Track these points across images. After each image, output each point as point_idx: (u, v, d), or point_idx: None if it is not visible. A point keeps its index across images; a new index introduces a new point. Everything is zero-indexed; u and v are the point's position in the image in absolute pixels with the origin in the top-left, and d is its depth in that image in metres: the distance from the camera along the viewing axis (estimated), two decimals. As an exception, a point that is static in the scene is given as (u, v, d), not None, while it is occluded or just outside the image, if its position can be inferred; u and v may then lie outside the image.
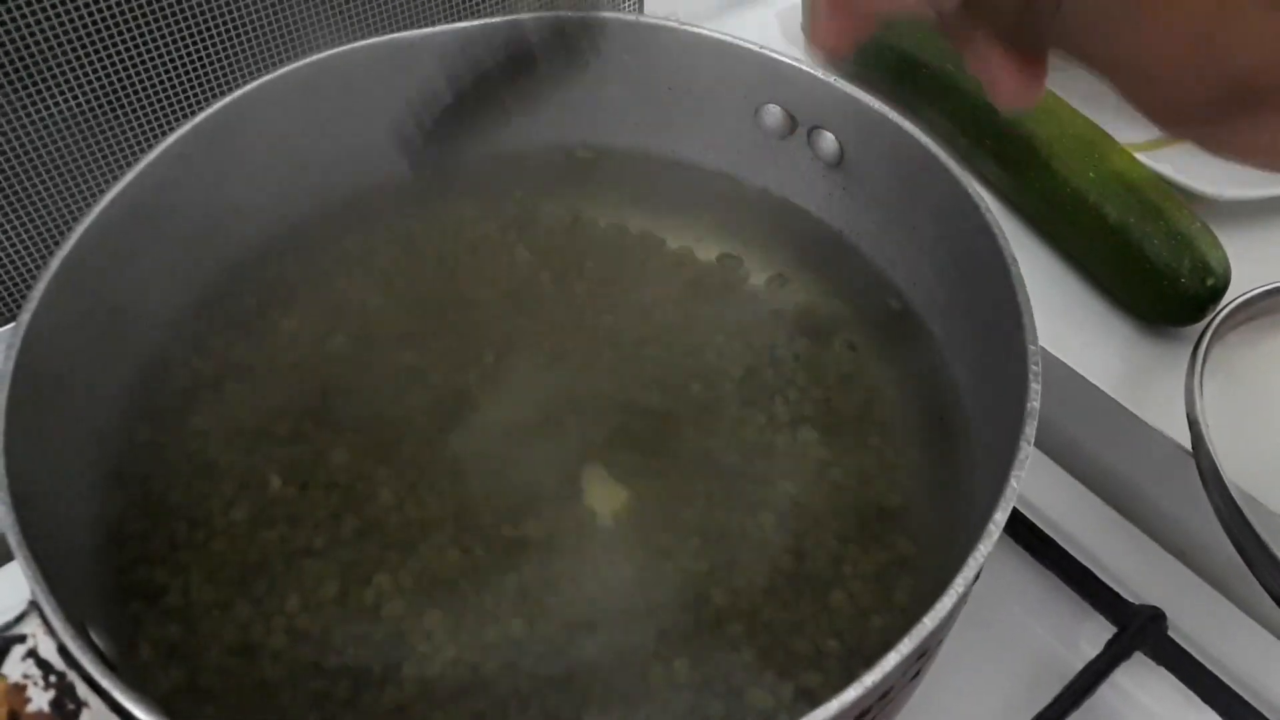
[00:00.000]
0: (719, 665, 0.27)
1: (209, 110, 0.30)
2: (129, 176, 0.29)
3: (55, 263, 0.27)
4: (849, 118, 0.33)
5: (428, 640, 0.27)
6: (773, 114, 0.34)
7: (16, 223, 0.37)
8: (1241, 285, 0.40)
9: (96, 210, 0.28)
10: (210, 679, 0.26)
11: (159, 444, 0.30)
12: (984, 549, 0.22)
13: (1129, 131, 0.47)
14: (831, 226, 0.35)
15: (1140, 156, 0.44)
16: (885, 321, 0.33)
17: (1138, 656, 0.33)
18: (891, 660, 0.21)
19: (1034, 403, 0.24)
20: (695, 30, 0.33)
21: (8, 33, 0.33)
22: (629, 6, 0.50)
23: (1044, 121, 0.44)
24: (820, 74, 0.32)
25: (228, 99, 0.31)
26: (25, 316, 0.26)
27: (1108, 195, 0.42)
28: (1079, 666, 0.32)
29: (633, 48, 0.34)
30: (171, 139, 0.30)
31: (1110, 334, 0.42)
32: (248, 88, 0.31)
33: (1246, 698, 0.32)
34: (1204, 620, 0.34)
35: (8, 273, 0.38)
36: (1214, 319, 0.36)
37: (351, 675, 0.26)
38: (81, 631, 0.22)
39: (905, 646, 0.21)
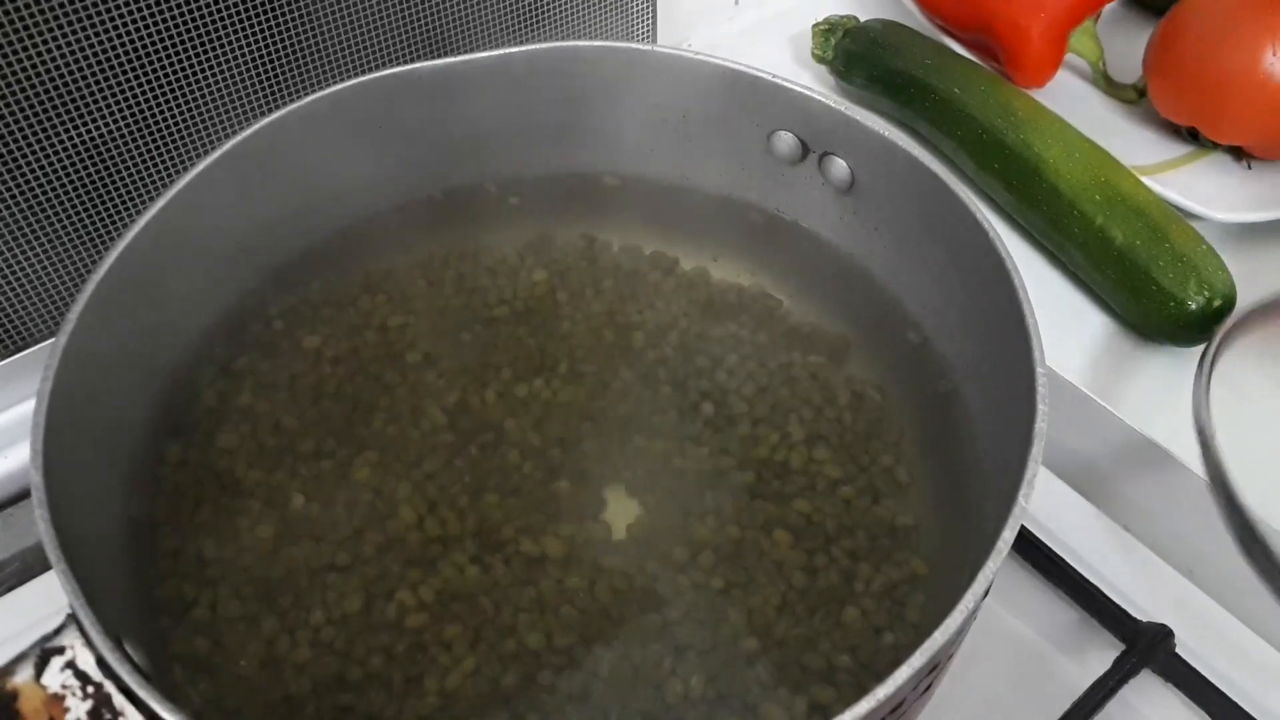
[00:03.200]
0: (734, 680, 0.27)
1: (237, 138, 0.31)
2: (160, 202, 0.30)
3: (90, 286, 0.28)
4: (859, 144, 0.34)
5: (448, 653, 0.28)
6: (785, 140, 0.35)
7: (51, 248, 0.38)
8: (1245, 306, 0.41)
9: (129, 236, 0.29)
10: (237, 691, 0.27)
11: (188, 462, 0.31)
12: (992, 566, 0.23)
13: (1135, 155, 0.48)
14: (842, 250, 0.36)
15: (1146, 180, 0.45)
16: (895, 342, 0.34)
17: (1146, 673, 0.33)
18: (903, 674, 0.21)
19: (1041, 424, 0.25)
20: (708, 59, 0.34)
21: (43, 57, 0.34)
22: (643, 37, 0.51)
23: (1051, 145, 0.45)
24: (831, 101, 0.33)
25: (256, 126, 0.31)
26: (62, 339, 0.27)
27: (1114, 218, 0.43)
28: (1087, 683, 0.32)
29: (646, 77, 0.35)
30: (201, 166, 0.31)
31: (1117, 354, 0.43)
32: (275, 116, 0.32)
33: (1254, 714, 0.32)
34: (1211, 637, 0.35)
35: (43, 296, 0.39)
36: (1224, 328, 0.37)
37: (375, 687, 0.27)
38: (118, 644, 0.22)
39: (916, 661, 0.21)
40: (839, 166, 0.34)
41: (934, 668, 0.24)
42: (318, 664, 0.27)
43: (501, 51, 0.34)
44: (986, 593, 0.23)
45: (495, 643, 0.28)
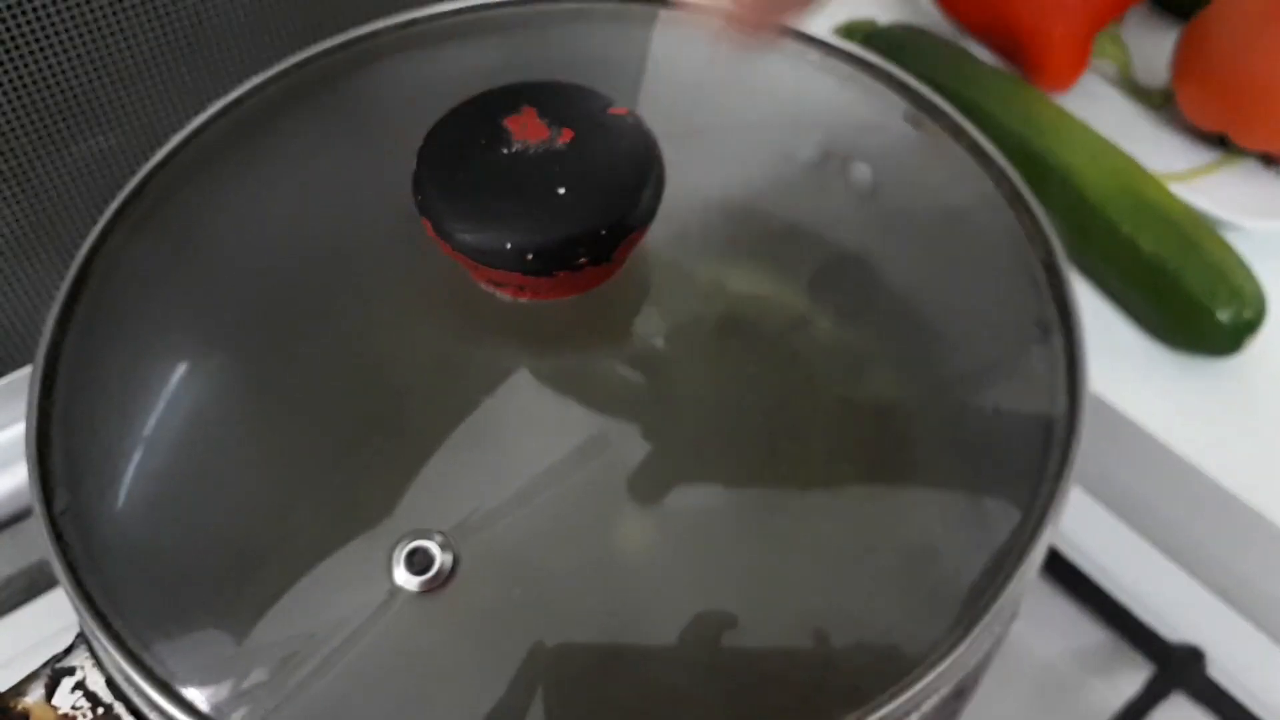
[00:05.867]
0: (754, 704, 0.27)
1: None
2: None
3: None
4: (882, 148, 0.33)
5: (458, 662, 0.27)
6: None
7: (57, 261, 0.38)
8: (1277, 317, 0.40)
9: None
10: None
11: (198, 475, 0.31)
12: (1021, 588, 0.22)
13: (1162, 161, 0.47)
14: (864, 258, 0.35)
15: (1174, 187, 0.44)
16: (921, 355, 0.33)
17: (1176, 696, 0.32)
18: (929, 702, 0.21)
19: (1079, 440, 0.24)
20: (728, 65, 0.34)
21: (37, 91, 0.34)
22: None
23: (1076, 152, 0.44)
24: (853, 107, 0.32)
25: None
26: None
27: (1142, 226, 0.42)
28: (1118, 705, 0.31)
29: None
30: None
31: (1144, 366, 0.42)
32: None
33: (1288, 738, 0.31)
34: (1244, 659, 0.34)
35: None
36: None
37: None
38: (129, 663, 0.22)
39: (943, 685, 0.21)
40: (861, 172, 0.34)
41: (960, 693, 0.23)
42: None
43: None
44: (1015, 615, 0.23)
45: (503, 661, 0.27)
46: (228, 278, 0.30)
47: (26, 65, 0.33)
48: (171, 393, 0.27)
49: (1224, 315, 0.40)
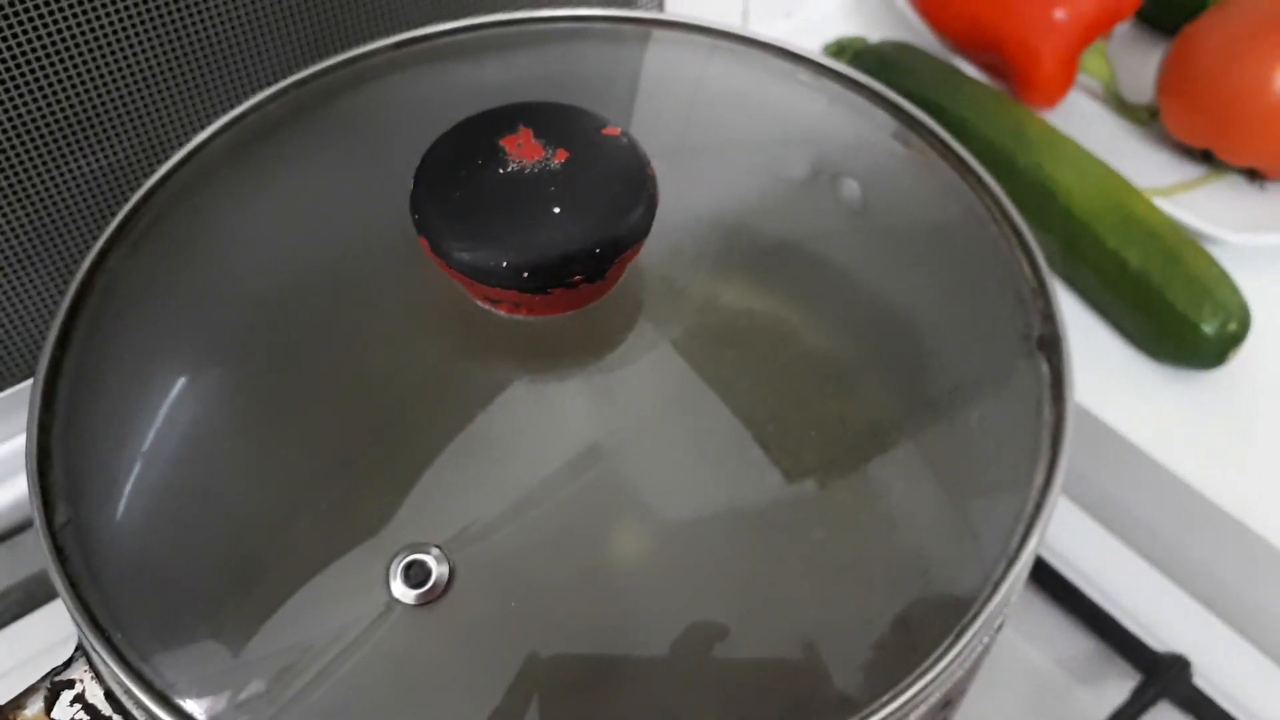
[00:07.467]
0: (746, 715, 0.27)
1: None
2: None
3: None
4: (871, 165, 0.33)
5: (455, 673, 0.27)
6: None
7: (60, 274, 0.38)
8: (1260, 330, 0.41)
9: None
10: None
11: (197, 488, 0.31)
12: (1008, 599, 0.23)
13: (1148, 177, 0.47)
14: (853, 273, 0.36)
15: (1159, 202, 0.45)
16: (910, 368, 0.34)
17: (1163, 704, 0.33)
18: (917, 710, 0.21)
19: (1066, 454, 0.25)
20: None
21: (38, 106, 0.34)
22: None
23: (1063, 168, 0.45)
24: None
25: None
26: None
27: (1128, 241, 0.42)
28: (1105, 714, 0.32)
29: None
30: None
31: (1130, 379, 0.42)
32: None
33: (1274, 747, 0.32)
34: (1229, 668, 0.34)
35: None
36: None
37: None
38: (128, 675, 0.22)
39: (931, 695, 0.21)
40: (850, 188, 0.34)
41: (948, 703, 0.23)
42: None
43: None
44: (1001, 626, 0.23)
45: (502, 668, 0.28)
46: (227, 294, 0.30)
47: (28, 81, 0.33)
48: (171, 407, 0.28)
49: (1209, 328, 0.40)
